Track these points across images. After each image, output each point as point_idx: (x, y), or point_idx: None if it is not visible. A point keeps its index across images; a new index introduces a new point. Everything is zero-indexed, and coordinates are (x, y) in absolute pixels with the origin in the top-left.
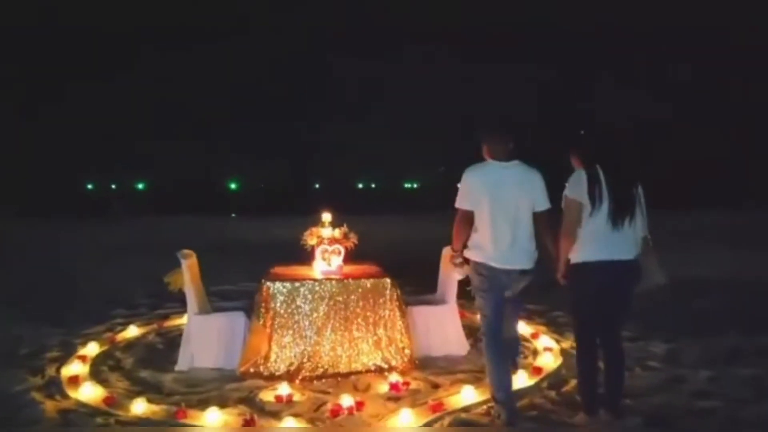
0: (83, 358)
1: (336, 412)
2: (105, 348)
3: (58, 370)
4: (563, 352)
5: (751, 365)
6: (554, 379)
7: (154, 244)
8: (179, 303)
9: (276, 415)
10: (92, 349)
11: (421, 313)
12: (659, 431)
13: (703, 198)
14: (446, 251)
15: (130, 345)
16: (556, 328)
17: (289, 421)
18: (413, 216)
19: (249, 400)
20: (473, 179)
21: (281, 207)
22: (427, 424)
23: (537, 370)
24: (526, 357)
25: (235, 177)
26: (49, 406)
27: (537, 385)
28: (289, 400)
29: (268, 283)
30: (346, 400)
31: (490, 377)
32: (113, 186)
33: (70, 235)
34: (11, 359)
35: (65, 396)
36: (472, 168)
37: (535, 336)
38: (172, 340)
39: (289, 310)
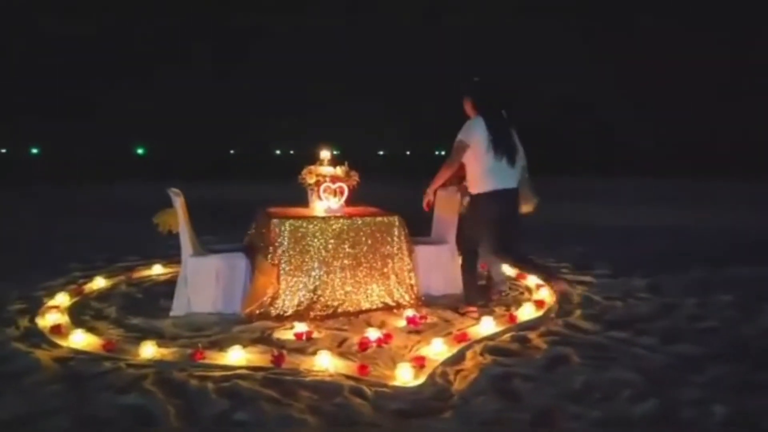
0: (57, 308)
1: (365, 345)
2: (77, 299)
3: (31, 321)
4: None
5: (727, 292)
6: (558, 311)
7: (81, 207)
8: (138, 256)
9: (302, 351)
10: (62, 299)
11: (423, 252)
12: (685, 346)
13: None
14: (442, 193)
15: (104, 295)
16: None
17: (323, 355)
18: None
19: (265, 340)
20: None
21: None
22: (459, 352)
23: (540, 303)
24: (522, 293)
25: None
26: (41, 355)
27: (546, 316)
28: (309, 337)
29: (275, 221)
30: (373, 333)
31: (498, 268)
32: (3, 150)
33: None
34: None
35: (54, 345)
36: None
37: (521, 276)
38: (149, 290)
39: (298, 248)
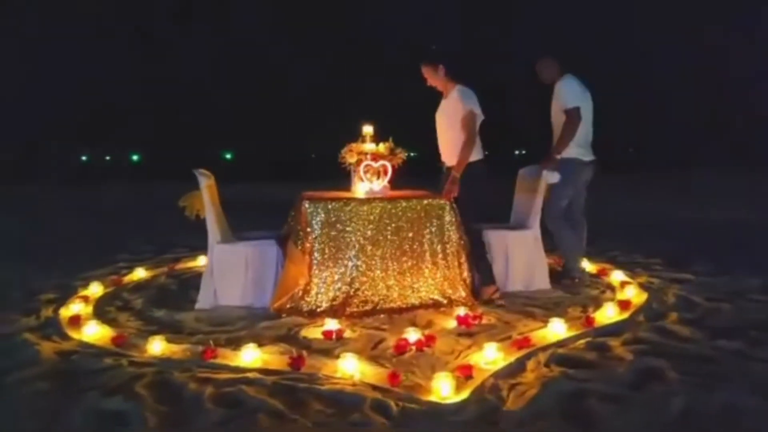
0: (85, 299)
1: (402, 347)
2: (110, 289)
3: (55, 311)
4: (642, 286)
5: None
6: (649, 313)
7: (154, 203)
8: (188, 248)
9: (328, 353)
10: (95, 290)
11: (498, 238)
12: None
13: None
14: (523, 172)
15: (139, 286)
16: (621, 265)
17: (348, 359)
18: None
19: (290, 338)
20: (577, 84)
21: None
22: (519, 362)
23: (625, 304)
24: (603, 292)
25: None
26: (46, 347)
27: (632, 319)
28: (340, 337)
29: (306, 204)
30: (413, 334)
31: (575, 253)
32: (107, 158)
33: (73, 199)
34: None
35: (65, 337)
36: (568, 76)
37: (603, 272)
38: (187, 281)
39: (332, 235)
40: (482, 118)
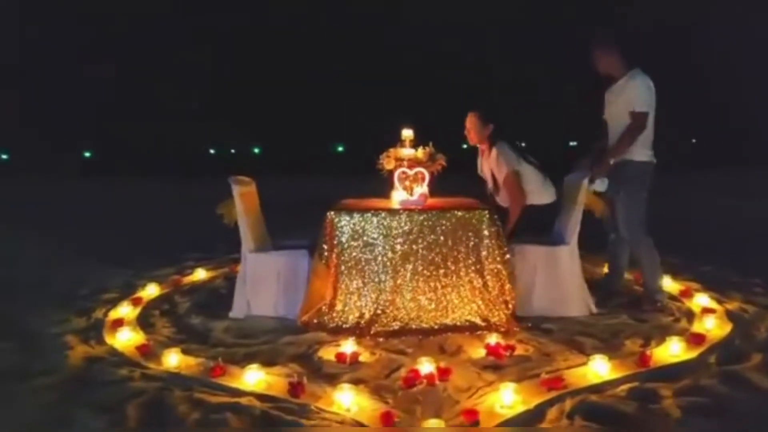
0: (137, 301)
1: (411, 380)
2: (165, 291)
3: (107, 313)
4: (730, 315)
5: None
6: (725, 352)
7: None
8: None
9: (333, 379)
10: (150, 291)
11: (532, 254)
12: None
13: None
14: (570, 179)
15: (193, 288)
16: (710, 286)
17: (345, 391)
18: None
19: (305, 358)
20: (651, 84)
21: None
22: (539, 409)
23: (698, 339)
24: (677, 320)
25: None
26: (78, 352)
27: (701, 360)
28: (354, 360)
29: (332, 214)
30: (426, 366)
31: (656, 272)
32: (232, 150)
33: (171, 194)
34: (65, 299)
35: (101, 342)
36: (641, 73)
37: (686, 294)
38: None
39: (358, 248)
40: (523, 161)
